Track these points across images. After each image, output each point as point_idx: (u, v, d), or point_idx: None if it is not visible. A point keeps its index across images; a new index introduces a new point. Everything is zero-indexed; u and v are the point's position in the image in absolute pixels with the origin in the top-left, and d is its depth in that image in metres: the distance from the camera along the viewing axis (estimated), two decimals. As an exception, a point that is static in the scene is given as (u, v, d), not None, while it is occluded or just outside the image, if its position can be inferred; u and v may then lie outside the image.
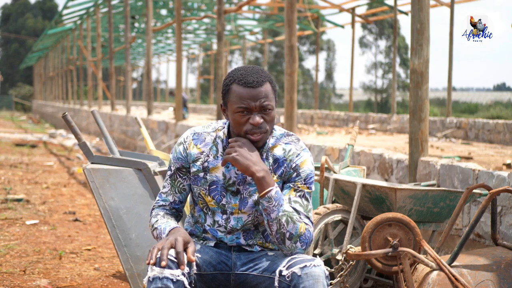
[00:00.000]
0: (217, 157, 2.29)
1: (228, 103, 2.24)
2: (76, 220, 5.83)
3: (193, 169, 2.30)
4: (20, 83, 51.78)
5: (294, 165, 2.27)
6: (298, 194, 2.24)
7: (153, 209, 2.36)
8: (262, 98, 2.20)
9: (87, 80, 22.53)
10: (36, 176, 8.78)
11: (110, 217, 3.16)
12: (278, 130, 2.34)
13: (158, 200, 2.36)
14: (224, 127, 2.33)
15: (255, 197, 2.26)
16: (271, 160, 2.28)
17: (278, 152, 2.29)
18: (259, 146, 2.25)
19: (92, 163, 3.26)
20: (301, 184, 2.26)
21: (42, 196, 7.12)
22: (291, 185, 2.26)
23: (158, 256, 2.03)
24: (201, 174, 2.29)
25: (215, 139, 2.31)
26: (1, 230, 5.25)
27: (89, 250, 4.74)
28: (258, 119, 2.19)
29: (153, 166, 3.28)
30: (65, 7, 19.82)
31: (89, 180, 3.18)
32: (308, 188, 2.26)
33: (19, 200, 6.65)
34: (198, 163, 2.30)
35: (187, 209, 3.30)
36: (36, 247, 4.70)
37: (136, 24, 23.69)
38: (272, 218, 2.16)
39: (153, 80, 42.24)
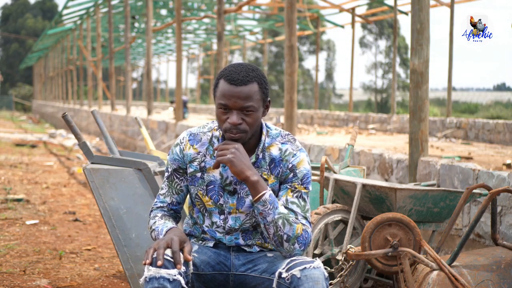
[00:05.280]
0: (214, 157, 2.28)
1: (215, 98, 2.23)
2: (76, 220, 5.83)
3: (190, 170, 2.29)
4: (20, 83, 51.78)
5: (290, 165, 2.25)
6: (295, 194, 2.23)
7: (151, 211, 2.36)
8: (243, 99, 2.15)
9: (87, 80, 22.52)
10: (36, 176, 8.78)
11: (110, 217, 3.16)
12: (273, 129, 2.32)
13: (156, 201, 2.36)
14: None
15: None
16: (267, 160, 2.27)
17: (274, 151, 2.27)
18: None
19: (92, 163, 3.26)
20: (298, 184, 2.24)
21: (42, 196, 7.12)
22: (288, 186, 2.24)
23: (154, 256, 2.03)
24: (198, 174, 2.29)
25: (211, 138, 2.31)
26: (1, 230, 5.25)
27: (89, 250, 4.74)
28: (235, 119, 2.15)
29: (153, 166, 3.28)
30: (65, 7, 19.82)
31: (89, 180, 3.18)
32: (305, 188, 2.25)
33: (19, 200, 6.65)
34: (195, 163, 2.29)
35: (186, 209, 3.30)
36: (36, 247, 4.70)
37: (136, 24, 23.68)
38: (269, 221, 2.15)
39: (153, 80, 42.25)
